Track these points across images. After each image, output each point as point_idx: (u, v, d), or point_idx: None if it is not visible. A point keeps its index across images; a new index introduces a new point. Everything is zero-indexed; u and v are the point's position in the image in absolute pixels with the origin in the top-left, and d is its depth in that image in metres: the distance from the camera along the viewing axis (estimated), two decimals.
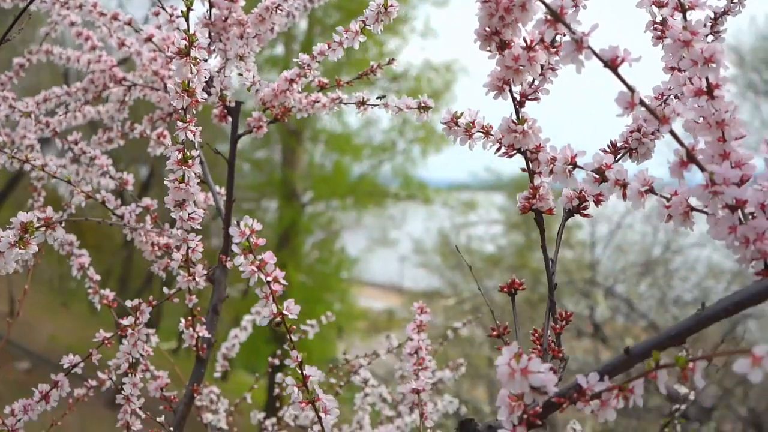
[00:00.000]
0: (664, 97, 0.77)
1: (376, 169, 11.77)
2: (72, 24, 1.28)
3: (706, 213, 0.60)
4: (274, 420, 1.41)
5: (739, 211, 0.59)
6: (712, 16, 0.79)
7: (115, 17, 1.18)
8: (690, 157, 0.57)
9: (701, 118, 0.61)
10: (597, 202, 0.75)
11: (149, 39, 1.09)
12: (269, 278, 0.68)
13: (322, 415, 0.71)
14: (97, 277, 1.18)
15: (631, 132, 0.76)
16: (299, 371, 0.71)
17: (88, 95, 1.29)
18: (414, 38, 10.72)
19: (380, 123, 11.74)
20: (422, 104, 0.93)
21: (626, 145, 0.76)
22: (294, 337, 0.71)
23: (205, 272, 0.99)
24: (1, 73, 1.41)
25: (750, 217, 0.58)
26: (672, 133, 0.56)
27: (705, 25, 0.79)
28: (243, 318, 1.62)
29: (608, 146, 0.77)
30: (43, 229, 0.72)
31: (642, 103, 0.56)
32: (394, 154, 11.72)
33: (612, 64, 0.56)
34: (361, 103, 1.03)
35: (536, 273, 8.10)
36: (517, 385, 0.55)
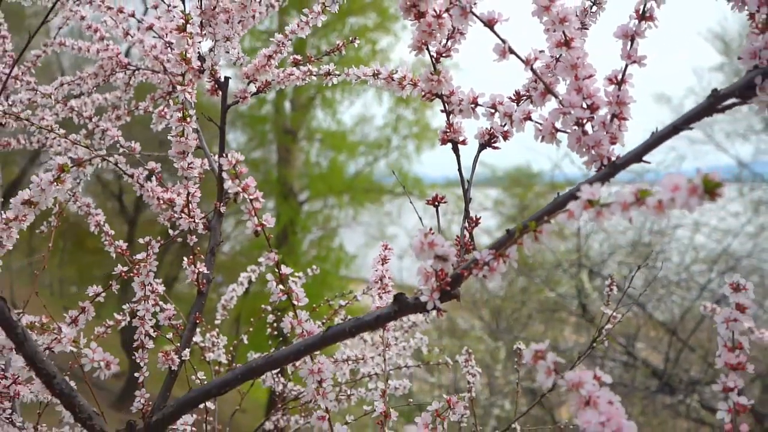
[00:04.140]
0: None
1: (371, 165, 12.00)
2: (82, 18, 1.50)
3: (565, 132, 0.82)
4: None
5: (590, 127, 0.81)
6: None
7: (120, 10, 1.40)
8: (547, 89, 0.78)
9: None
10: (504, 138, 0.96)
11: (150, 28, 1.31)
12: (252, 197, 0.90)
13: (294, 302, 0.93)
14: (112, 232, 1.39)
15: (530, 83, 0.97)
16: (276, 270, 0.93)
17: (98, 79, 1.51)
18: (406, 36, 10.96)
19: (375, 120, 11.96)
20: (376, 72, 1.14)
21: (527, 93, 0.98)
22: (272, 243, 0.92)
23: (203, 216, 1.21)
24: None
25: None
26: (533, 71, 0.78)
27: None
28: (240, 275, 1.85)
29: (513, 94, 0.98)
30: (75, 168, 0.94)
31: (511, 50, 0.77)
32: (388, 150, 11.96)
33: (490, 23, 0.78)
34: (327, 74, 1.25)
35: (528, 262, 8.35)
36: (426, 255, 0.77)
